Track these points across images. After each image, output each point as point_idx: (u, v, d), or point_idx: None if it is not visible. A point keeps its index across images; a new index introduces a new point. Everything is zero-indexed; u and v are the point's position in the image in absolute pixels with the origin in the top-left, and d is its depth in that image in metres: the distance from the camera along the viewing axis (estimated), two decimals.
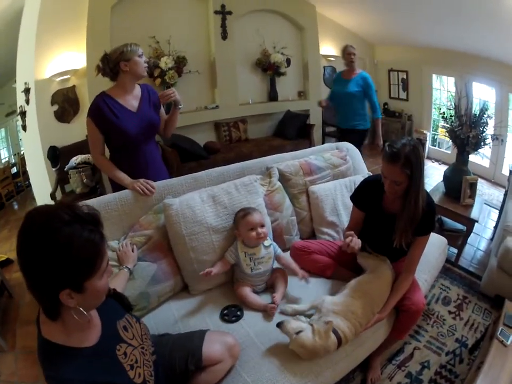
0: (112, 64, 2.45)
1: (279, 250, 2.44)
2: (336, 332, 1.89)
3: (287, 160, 3.01)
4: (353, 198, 2.44)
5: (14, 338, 2.89)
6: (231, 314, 2.16)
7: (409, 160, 1.93)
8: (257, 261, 2.28)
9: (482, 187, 6.20)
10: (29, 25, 4.42)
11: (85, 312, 1.14)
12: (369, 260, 2.34)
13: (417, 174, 1.97)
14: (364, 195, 2.35)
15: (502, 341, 2.09)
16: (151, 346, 1.52)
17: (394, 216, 2.15)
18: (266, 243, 2.34)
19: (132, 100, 2.58)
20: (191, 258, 2.30)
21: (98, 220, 1.15)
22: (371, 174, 3.06)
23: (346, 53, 4.60)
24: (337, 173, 3.10)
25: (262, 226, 2.29)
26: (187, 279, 2.37)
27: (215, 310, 2.21)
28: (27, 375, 2.52)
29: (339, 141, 3.81)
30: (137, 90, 2.64)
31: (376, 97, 4.73)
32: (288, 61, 6.55)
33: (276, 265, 2.43)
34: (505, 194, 4.26)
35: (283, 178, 2.88)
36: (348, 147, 3.43)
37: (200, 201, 2.40)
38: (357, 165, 3.35)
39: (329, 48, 7.65)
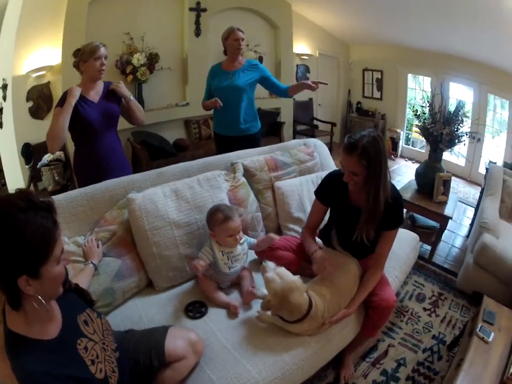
0: (76, 61, 2.63)
1: (252, 240, 2.47)
2: (309, 298, 1.97)
3: (253, 156, 3.02)
4: (317, 192, 2.44)
5: None
6: (195, 310, 2.17)
7: (367, 151, 1.94)
8: (235, 258, 2.28)
9: (458, 185, 6.33)
10: (10, 20, 4.36)
11: (43, 301, 1.15)
12: (335, 256, 2.34)
13: (375, 165, 1.97)
14: (329, 189, 2.35)
15: (483, 337, 2.10)
16: (114, 342, 1.53)
17: (360, 209, 2.14)
18: (241, 240, 2.34)
19: (94, 95, 2.74)
20: (153, 254, 2.30)
21: (51, 207, 1.17)
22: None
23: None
24: (303, 169, 3.12)
25: (239, 231, 2.29)
26: (151, 275, 2.36)
27: (180, 306, 2.21)
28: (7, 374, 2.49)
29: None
30: (100, 87, 2.80)
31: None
32: (260, 59, 6.57)
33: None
34: (482, 192, 4.32)
35: (248, 173, 2.89)
36: (316, 143, 3.45)
37: (162, 196, 2.40)
38: (324, 161, 3.37)
39: (303, 46, 7.68)
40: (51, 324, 1.25)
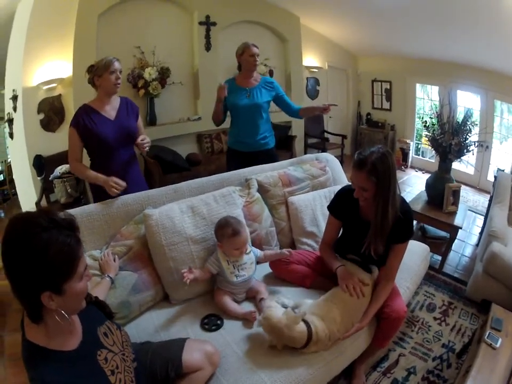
0: (90, 77, 2.64)
1: (259, 252, 2.50)
2: (308, 325, 1.96)
3: (266, 172, 3.06)
4: (330, 207, 2.46)
5: (2, 345, 2.87)
6: (211, 323, 2.18)
7: (376, 168, 1.97)
8: (241, 267, 2.31)
9: (467, 194, 6.34)
10: (19, 30, 4.41)
11: (66, 315, 1.18)
12: (357, 270, 2.32)
13: (384, 181, 2.00)
14: (341, 203, 2.38)
15: (491, 344, 2.10)
16: (132, 353, 1.55)
17: (370, 223, 2.16)
18: (246, 251, 2.38)
19: (110, 110, 2.73)
20: (170, 268, 2.32)
21: (74, 225, 1.19)
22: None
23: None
24: (316, 183, 3.15)
25: (245, 244, 2.34)
26: (167, 289, 2.39)
27: (196, 319, 2.23)
28: (16, 382, 2.52)
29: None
30: (116, 102, 2.79)
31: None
32: (271, 72, 6.61)
33: (258, 275, 2.50)
34: (490, 200, 4.32)
35: (262, 189, 2.93)
36: (328, 158, 3.47)
37: (179, 212, 2.44)
38: (336, 176, 3.39)
39: (312, 59, 7.71)
40: (71, 336, 1.27)
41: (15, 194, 6.18)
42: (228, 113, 3.59)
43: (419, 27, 5.70)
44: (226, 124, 3.66)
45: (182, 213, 2.45)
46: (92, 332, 1.37)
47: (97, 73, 2.58)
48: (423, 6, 4.93)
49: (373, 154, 2.00)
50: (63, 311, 1.17)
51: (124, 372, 1.39)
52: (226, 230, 2.29)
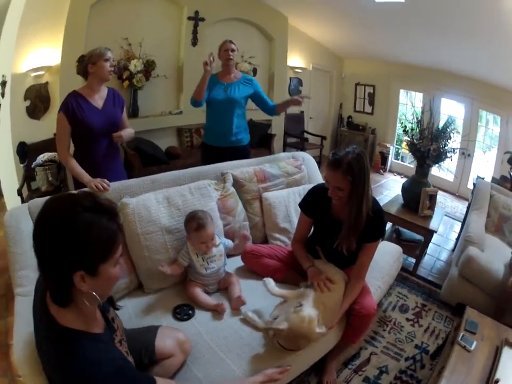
0: (83, 65, 2.70)
1: (229, 243, 2.58)
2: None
3: (242, 167, 3.11)
4: (302, 204, 2.53)
5: None
6: (183, 313, 2.23)
7: (351, 167, 2.03)
8: (210, 259, 2.38)
9: (446, 200, 6.50)
10: (13, 17, 4.38)
11: (98, 297, 1.19)
12: (325, 265, 2.39)
13: (359, 180, 2.05)
14: (313, 202, 2.44)
15: (465, 346, 2.11)
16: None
17: (341, 222, 2.22)
18: (216, 243, 2.44)
19: (98, 100, 2.82)
20: (145, 257, 2.38)
21: (116, 211, 1.23)
22: None
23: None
24: (291, 181, 3.22)
25: (212, 238, 2.39)
26: (141, 277, 2.44)
27: (168, 308, 2.27)
28: None
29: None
30: (104, 92, 2.87)
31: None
32: (254, 71, 6.68)
33: (229, 267, 2.57)
34: (468, 207, 4.39)
35: (237, 184, 2.99)
36: (304, 156, 3.55)
37: (155, 202, 2.49)
38: (312, 175, 3.47)
39: (297, 59, 7.77)
40: (96, 322, 1.32)
41: None
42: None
43: (407, 33, 5.79)
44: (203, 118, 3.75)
45: (158, 203, 2.50)
46: (107, 318, 1.43)
47: (91, 60, 2.66)
48: (412, 11, 5.00)
49: (349, 154, 2.06)
50: (95, 293, 1.18)
51: (128, 355, 1.47)
52: (192, 224, 2.36)
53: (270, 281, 2.26)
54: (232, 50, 3.53)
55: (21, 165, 4.41)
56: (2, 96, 4.55)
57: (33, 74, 4.44)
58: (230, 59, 3.55)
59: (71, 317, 1.20)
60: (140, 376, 1.30)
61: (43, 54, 4.45)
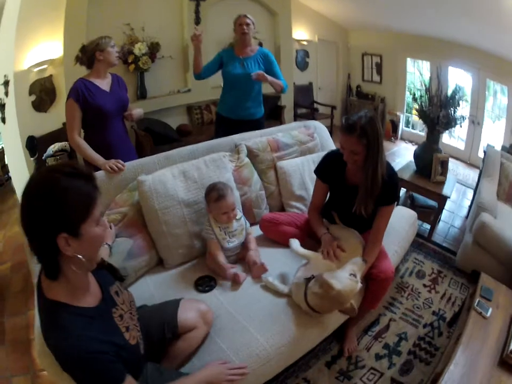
0: (89, 53, 2.75)
1: (248, 224, 2.56)
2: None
3: (255, 138, 3.10)
4: (317, 171, 2.52)
5: (3, 331, 2.84)
6: (205, 284, 2.25)
7: (365, 131, 2.02)
8: (231, 234, 2.40)
9: (458, 168, 6.38)
10: (10, 16, 4.38)
11: (83, 259, 1.20)
12: (341, 230, 2.41)
13: (374, 144, 2.05)
14: (327, 168, 2.43)
15: (481, 312, 2.11)
16: (136, 312, 1.61)
17: (357, 187, 2.22)
18: (237, 216, 2.45)
19: (105, 84, 2.87)
20: (164, 232, 2.39)
21: (93, 176, 1.24)
22: None
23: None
24: (304, 149, 3.21)
25: (234, 209, 2.39)
26: (161, 253, 2.46)
27: (189, 281, 2.29)
28: (18, 368, 2.51)
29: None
30: (109, 77, 2.95)
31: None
32: (260, 45, 6.52)
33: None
34: (480, 174, 4.33)
35: (251, 154, 2.98)
36: (316, 125, 3.53)
37: (171, 177, 2.50)
38: (325, 142, 3.44)
39: (302, 32, 7.71)
40: (90, 294, 1.32)
41: (8, 179, 6.15)
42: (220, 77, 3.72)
43: (412, 4, 5.67)
44: (217, 93, 3.73)
45: (174, 177, 2.51)
46: (107, 291, 1.43)
47: (99, 48, 2.73)
48: None
49: (362, 118, 2.04)
50: (80, 256, 1.19)
51: (134, 329, 1.46)
52: (212, 194, 2.37)
53: (295, 241, 2.32)
54: (247, 25, 3.53)
55: (32, 159, 4.44)
56: (6, 95, 4.56)
57: (36, 69, 4.46)
58: (245, 33, 3.54)
59: (58, 290, 1.22)
60: (110, 370, 1.23)
61: (44, 48, 4.46)
